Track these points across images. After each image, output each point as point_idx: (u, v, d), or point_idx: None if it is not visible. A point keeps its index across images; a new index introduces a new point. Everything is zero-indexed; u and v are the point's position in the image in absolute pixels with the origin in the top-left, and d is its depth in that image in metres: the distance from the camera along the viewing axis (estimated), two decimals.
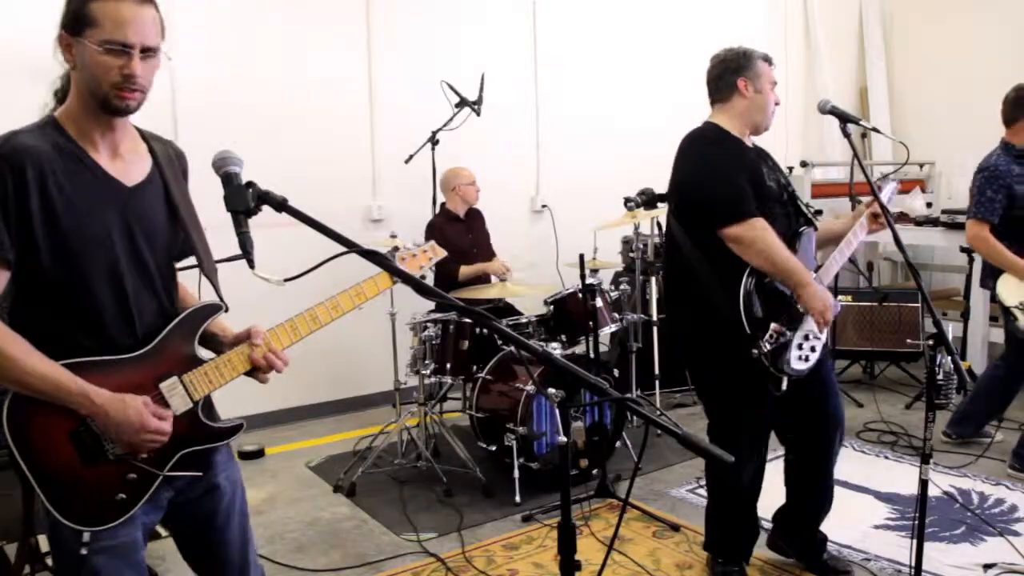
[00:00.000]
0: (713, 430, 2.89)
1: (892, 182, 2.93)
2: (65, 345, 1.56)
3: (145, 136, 1.73)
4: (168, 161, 1.73)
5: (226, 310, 1.75)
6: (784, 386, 2.62)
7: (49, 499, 1.55)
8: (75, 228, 1.55)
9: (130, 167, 1.65)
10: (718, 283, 2.60)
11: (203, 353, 1.70)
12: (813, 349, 2.67)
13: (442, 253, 2.04)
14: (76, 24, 1.53)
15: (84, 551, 1.56)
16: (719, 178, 2.62)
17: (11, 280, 1.55)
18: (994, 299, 4.05)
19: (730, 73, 2.73)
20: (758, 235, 2.55)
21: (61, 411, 1.53)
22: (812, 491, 2.96)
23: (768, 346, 2.56)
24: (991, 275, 3.95)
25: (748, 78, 2.70)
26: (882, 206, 2.68)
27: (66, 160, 1.56)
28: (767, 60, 2.76)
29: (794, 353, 2.62)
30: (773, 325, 2.59)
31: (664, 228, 2.86)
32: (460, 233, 4.69)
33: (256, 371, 1.72)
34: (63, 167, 1.55)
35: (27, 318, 1.58)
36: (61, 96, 1.65)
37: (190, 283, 1.85)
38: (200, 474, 1.71)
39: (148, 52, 1.57)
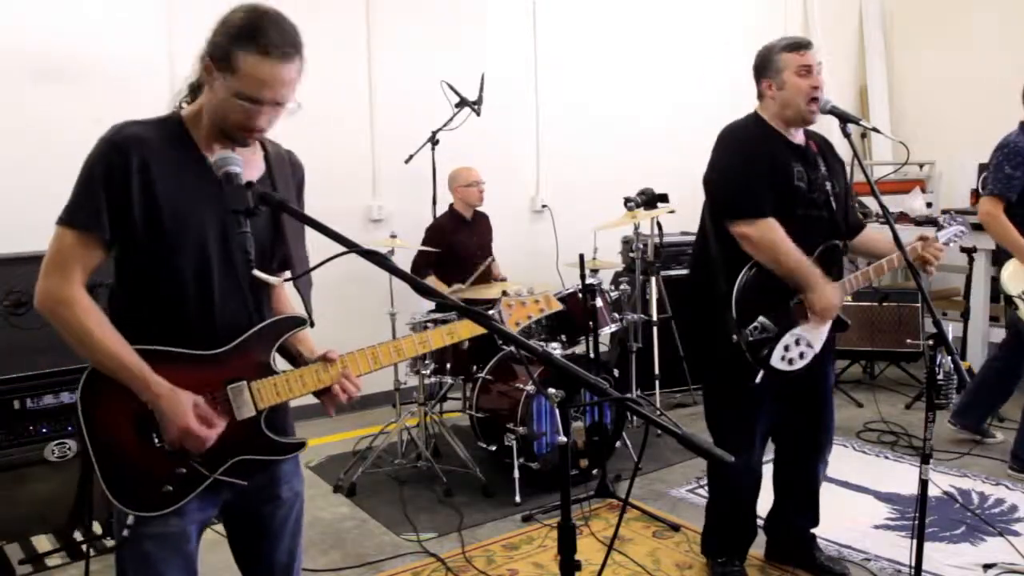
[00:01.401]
0: (708, 420, 2.93)
1: (957, 225, 2.84)
2: (148, 332, 1.60)
3: (265, 143, 1.76)
4: (281, 169, 1.76)
5: (311, 325, 1.76)
6: (758, 379, 2.63)
7: (103, 475, 1.60)
8: (173, 221, 1.58)
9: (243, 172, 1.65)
10: (724, 271, 2.64)
11: (278, 364, 1.71)
12: (801, 356, 2.68)
13: (557, 306, 2.02)
14: (220, 60, 1.57)
15: (126, 532, 1.61)
16: (735, 175, 2.66)
17: (115, 264, 1.62)
18: (995, 299, 4.03)
19: (757, 77, 2.74)
20: (764, 236, 2.58)
21: (130, 393, 1.58)
22: (797, 497, 3.00)
23: (750, 336, 2.59)
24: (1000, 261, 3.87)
25: (769, 78, 2.68)
26: (898, 242, 2.54)
27: (176, 156, 1.61)
28: (793, 47, 2.65)
29: (778, 352, 2.64)
30: (761, 318, 2.60)
31: (701, 214, 2.85)
32: (466, 236, 4.66)
33: (326, 393, 1.73)
34: (171, 162, 1.59)
35: (120, 300, 1.64)
36: (194, 88, 1.68)
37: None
38: (245, 483, 1.71)
39: (278, 105, 1.62)
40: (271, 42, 1.55)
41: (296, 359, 1.78)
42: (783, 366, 2.65)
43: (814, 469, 2.96)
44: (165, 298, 1.62)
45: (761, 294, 2.62)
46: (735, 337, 2.58)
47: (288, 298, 1.86)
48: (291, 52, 1.59)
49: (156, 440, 1.61)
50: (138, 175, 1.56)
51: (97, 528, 3.29)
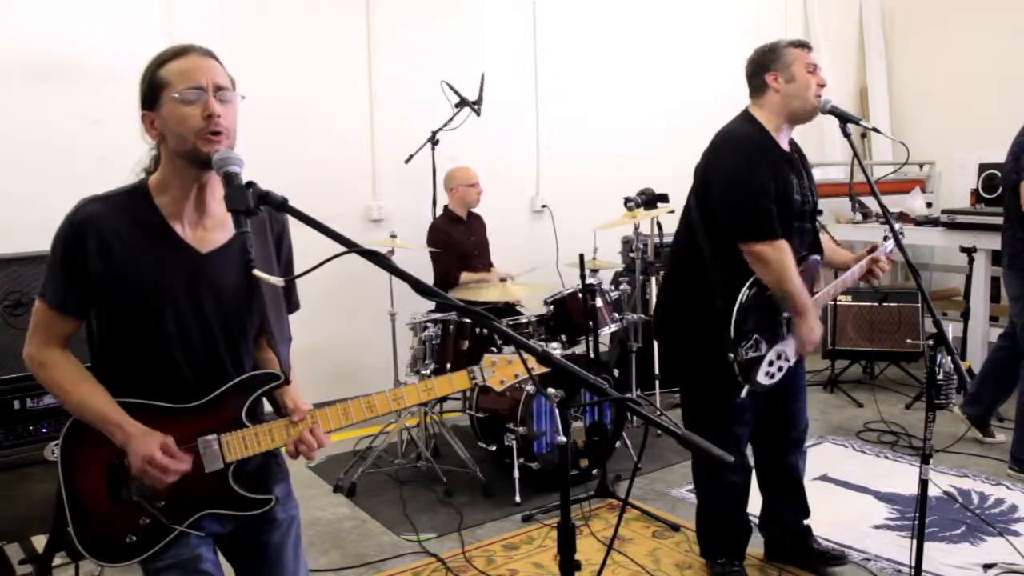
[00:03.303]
0: (687, 422, 2.92)
1: (890, 242, 2.87)
2: (128, 386, 1.69)
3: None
4: (259, 227, 1.73)
5: (286, 382, 1.78)
6: (743, 394, 2.66)
7: (74, 525, 1.68)
8: (140, 290, 1.65)
9: (210, 234, 1.71)
10: (722, 285, 2.63)
11: (246, 419, 1.74)
12: (780, 369, 2.71)
13: (543, 368, 1.99)
14: (151, 96, 1.62)
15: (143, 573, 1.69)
16: (750, 192, 2.60)
17: (93, 326, 1.72)
18: (995, 299, 4.02)
19: (760, 71, 2.71)
20: (779, 258, 2.59)
21: (106, 445, 1.66)
22: (784, 492, 3.01)
23: (745, 354, 2.61)
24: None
25: (776, 70, 2.67)
26: (899, 244, 2.65)
27: (139, 227, 1.65)
28: (800, 45, 2.68)
29: (763, 368, 2.66)
30: (755, 336, 2.62)
31: (682, 210, 2.84)
32: (462, 235, 4.69)
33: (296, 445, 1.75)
34: (133, 234, 1.65)
35: (100, 355, 1.74)
36: (151, 168, 1.72)
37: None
38: (202, 534, 1.73)
39: (222, 91, 1.63)
40: (181, 48, 1.63)
41: (281, 410, 1.80)
42: (766, 381, 2.68)
43: (794, 463, 2.98)
44: (140, 358, 1.69)
45: (759, 313, 2.64)
46: (731, 356, 2.59)
47: (269, 355, 1.84)
48: (205, 51, 1.64)
49: (123, 492, 1.67)
50: (96, 253, 1.62)
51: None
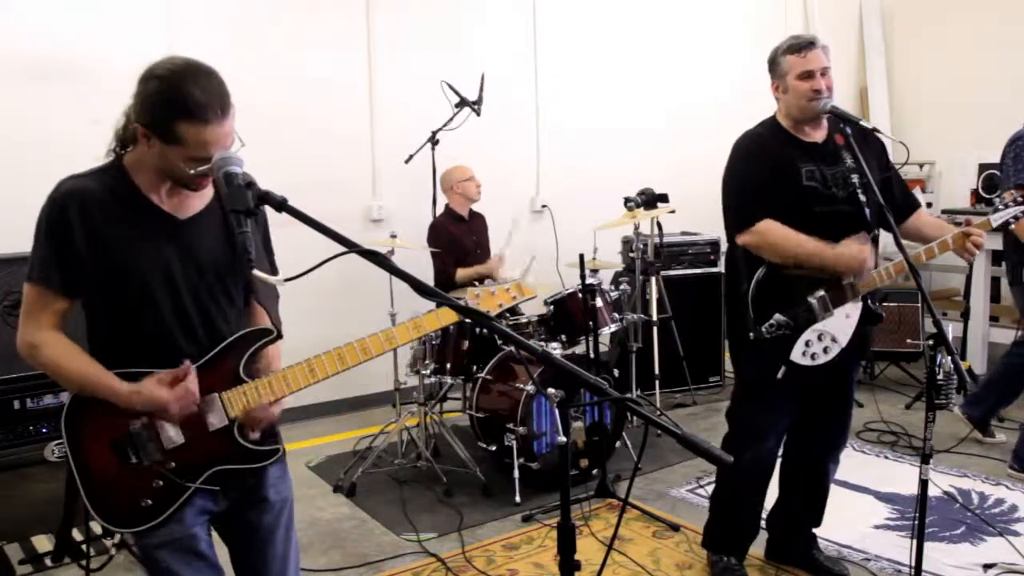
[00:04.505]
0: (728, 410, 3.00)
1: (1017, 206, 2.75)
2: (125, 357, 1.72)
3: None
4: None
5: (279, 336, 1.83)
6: (780, 374, 2.65)
7: (88, 497, 1.71)
8: (127, 260, 1.69)
9: (186, 200, 1.76)
10: (745, 270, 2.69)
11: (245, 375, 1.78)
12: (826, 351, 2.67)
13: (530, 293, 2.00)
14: (160, 132, 1.62)
15: (137, 550, 1.69)
16: (733, 188, 2.74)
17: (82, 303, 1.74)
18: (995, 299, 4.01)
19: (771, 79, 2.76)
20: (763, 238, 2.62)
21: (110, 415, 1.69)
22: (804, 495, 3.00)
23: (766, 333, 2.61)
24: (1017, 253, 3.80)
25: (776, 80, 2.72)
26: (899, 242, 2.47)
27: (120, 202, 1.70)
28: (795, 49, 2.66)
29: (799, 348, 2.64)
30: (776, 316, 2.61)
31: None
32: (464, 233, 4.69)
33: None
34: (115, 209, 1.69)
35: (96, 333, 1.76)
36: (124, 139, 1.73)
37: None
38: (217, 488, 1.79)
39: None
40: (208, 107, 1.61)
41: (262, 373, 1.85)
42: (805, 361, 2.66)
43: (826, 468, 2.97)
44: (135, 327, 1.72)
45: (774, 292, 2.64)
46: (751, 335, 2.62)
47: (262, 313, 1.91)
48: (226, 107, 1.66)
49: (133, 458, 1.70)
50: (81, 227, 1.66)
51: (96, 528, 3.28)
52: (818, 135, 2.74)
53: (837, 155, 2.71)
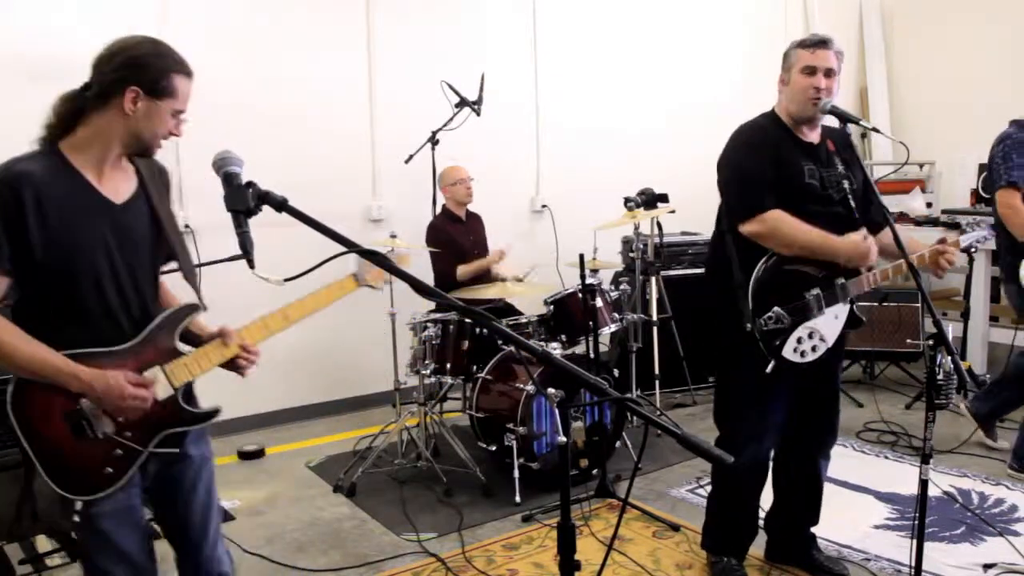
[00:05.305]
0: (716, 412, 2.95)
1: (981, 230, 2.88)
2: (63, 338, 1.76)
3: (131, 157, 1.94)
4: (152, 179, 1.95)
5: (204, 309, 1.96)
6: (769, 368, 2.64)
7: (47, 471, 1.77)
8: (71, 240, 1.76)
9: (120, 186, 1.87)
10: (740, 263, 2.66)
11: (182, 347, 1.91)
12: (814, 349, 2.68)
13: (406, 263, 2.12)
14: (157, 90, 1.79)
15: (77, 517, 1.79)
16: (735, 177, 2.70)
17: (14, 284, 1.76)
18: (996, 299, 4.00)
19: (782, 68, 2.76)
20: (772, 227, 2.60)
21: (56, 393, 1.75)
22: (799, 495, 3.00)
23: (765, 325, 2.60)
24: (1011, 253, 3.81)
25: (782, 72, 2.72)
26: (898, 240, 2.51)
27: (63, 182, 1.78)
28: (807, 44, 2.68)
29: (791, 344, 2.64)
30: (775, 308, 2.60)
31: (718, 209, 2.86)
32: (461, 234, 4.69)
33: (232, 364, 1.95)
34: (60, 190, 1.76)
35: (30, 315, 1.78)
36: (60, 122, 1.84)
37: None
38: (176, 450, 1.93)
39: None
40: (188, 67, 1.84)
41: (195, 341, 1.97)
42: (795, 357, 2.66)
43: (819, 466, 2.97)
44: (73, 307, 1.79)
45: (777, 285, 2.64)
46: (749, 326, 2.60)
47: (171, 292, 2.06)
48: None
49: (89, 430, 1.78)
50: (32, 206, 1.71)
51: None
52: (813, 136, 2.75)
53: (830, 159, 2.74)
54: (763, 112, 2.81)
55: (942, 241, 2.77)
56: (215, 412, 1.96)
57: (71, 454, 1.77)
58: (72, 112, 1.82)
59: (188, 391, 1.93)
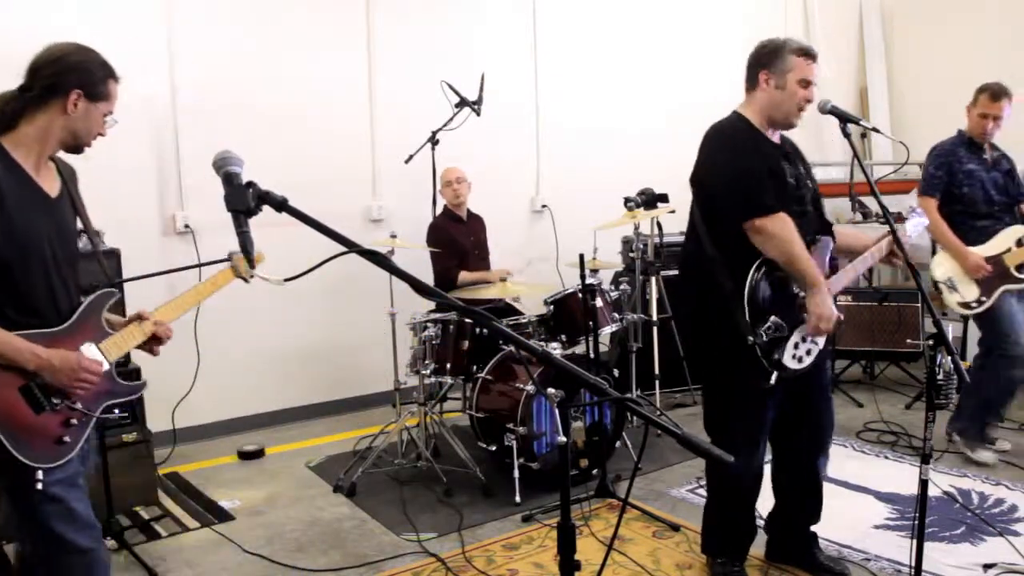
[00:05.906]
0: (708, 420, 2.90)
1: (917, 215, 2.98)
2: (13, 321, 1.93)
3: (52, 157, 2.10)
4: (70, 177, 2.16)
5: (121, 292, 2.22)
6: (772, 380, 2.63)
7: (11, 445, 1.89)
8: (23, 229, 1.94)
9: (49, 182, 2.06)
10: (728, 271, 2.61)
11: (108, 328, 2.15)
12: (808, 352, 2.68)
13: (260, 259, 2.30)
14: (96, 93, 2.01)
15: (40, 486, 1.93)
16: (739, 171, 2.63)
17: None
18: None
19: (756, 65, 2.71)
20: (780, 228, 2.57)
21: (9, 372, 1.90)
22: (800, 495, 2.99)
23: (764, 336, 2.58)
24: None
25: (771, 72, 2.66)
26: (898, 243, 2.66)
27: (12, 175, 1.95)
28: (804, 54, 2.65)
29: (789, 351, 2.63)
30: (772, 318, 2.59)
31: (689, 214, 2.83)
32: (462, 234, 4.70)
33: (149, 342, 2.19)
34: (11, 181, 1.94)
35: None
36: (2, 120, 1.98)
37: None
38: (127, 415, 2.25)
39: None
40: (114, 72, 2.06)
41: (111, 325, 2.18)
42: (795, 365, 2.64)
43: (817, 464, 2.96)
44: (17, 291, 1.95)
45: (772, 293, 2.62)
46: (750, 339, 2.55)
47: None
48: None
49: (46, 404, 1.95)
50: None
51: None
52: (776, 138, 2.76)
53: (794, 159, 2.77)
54: (731, 115, 2.77)
55: (893, 233, 2.76)
56: (143, 384, 2.29)
57: (31, 426, 1.93)
58: (13, 111, 1.98)
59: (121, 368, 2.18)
